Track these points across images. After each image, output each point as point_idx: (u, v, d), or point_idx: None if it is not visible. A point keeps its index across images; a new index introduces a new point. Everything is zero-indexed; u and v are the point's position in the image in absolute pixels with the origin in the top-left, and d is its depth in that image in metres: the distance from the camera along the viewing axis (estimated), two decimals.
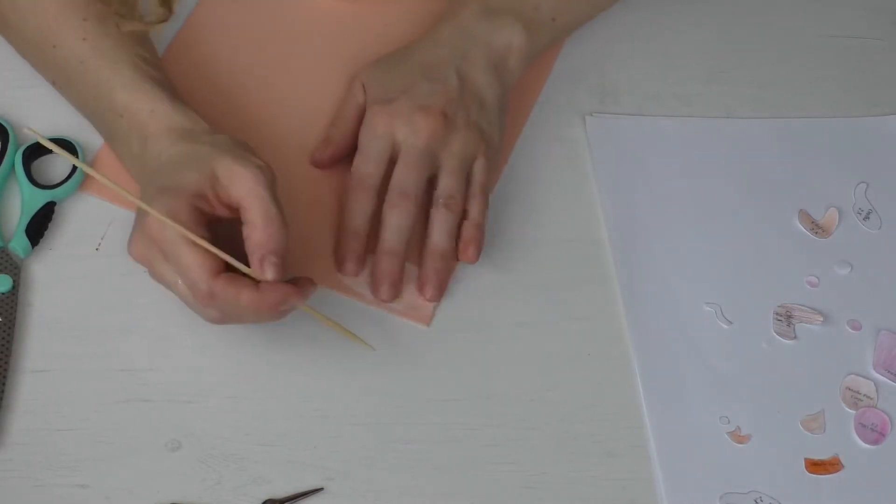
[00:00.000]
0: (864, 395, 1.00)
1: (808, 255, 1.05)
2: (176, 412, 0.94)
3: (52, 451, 0.92)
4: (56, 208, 0.99)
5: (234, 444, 0.93)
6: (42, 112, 1.03)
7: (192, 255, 0.89)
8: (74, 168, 1.00)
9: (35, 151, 1.01)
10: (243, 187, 0.90)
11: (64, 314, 0.96)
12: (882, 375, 1.01)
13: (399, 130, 1.00)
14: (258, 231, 0.90)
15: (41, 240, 0.98)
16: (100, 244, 0.99)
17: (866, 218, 1.07)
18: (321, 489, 0.93)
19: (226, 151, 0.92)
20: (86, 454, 0.92)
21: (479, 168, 1.01)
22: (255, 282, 0.89)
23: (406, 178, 0.99)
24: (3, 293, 0.95)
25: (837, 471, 0.97)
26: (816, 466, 0.97)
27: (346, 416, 0.96)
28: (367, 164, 1.00)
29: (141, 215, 0.92)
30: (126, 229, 0.99)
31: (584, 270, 1.03)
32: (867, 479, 0.97)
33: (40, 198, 0.99)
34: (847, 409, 1.00)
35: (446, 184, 1.00)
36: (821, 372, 1.01)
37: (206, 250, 0.89)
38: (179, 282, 0.90)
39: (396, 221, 0.98)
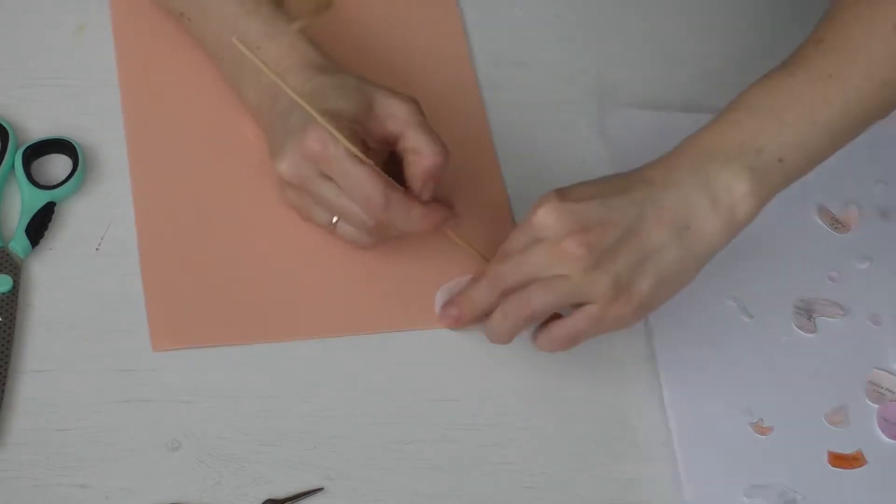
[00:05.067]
0: (887, 389, 1.00)
1: (827, 250, 1.06)
2: (176, 412, 0.94)
3: (52, 451, 0.91)
4: (56, 208, 0.99)
5: (234, 444, 0.93)
6: (42, 112, 1.03)
7: (365, 169, 0.92)
8: (74, 168, 0.99)
9: (35, 151, 1.00)
10: (403, 119, 0.95)
11: (64, 314, 0.96)
12: None
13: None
14: (427, 158, 0.94)
15: (41, 240, 0.98)
16: (100, 244, 0.99)
17: (885, 214, 1.08)
18: (321, 489, 0.93)
19: (375, 85, 0.96)
20: (86, 454, 0.92)
21: (576, 319, 0.93)
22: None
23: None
24: (3, 293, 0.95)
25: (861, 465, 0.97)
26: (840, 460, 0.98)
27: (346, 416, 0.95)
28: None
29: (291, 134, 0.93)
30: (126, 229, 0.99)
31: None
32: (891, 474, 0.97)
33: (40, 198, 0.98)
34: (870, 403, 1.00)
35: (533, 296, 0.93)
36: (843, 365, 1.01)
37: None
38: (340, 199, 0.94)
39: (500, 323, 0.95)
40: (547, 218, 0.93)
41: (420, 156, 0.95)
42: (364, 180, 0.92)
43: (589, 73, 1.12)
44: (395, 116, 0.95)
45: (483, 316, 0.96)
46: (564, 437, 0.97)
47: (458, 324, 0.98)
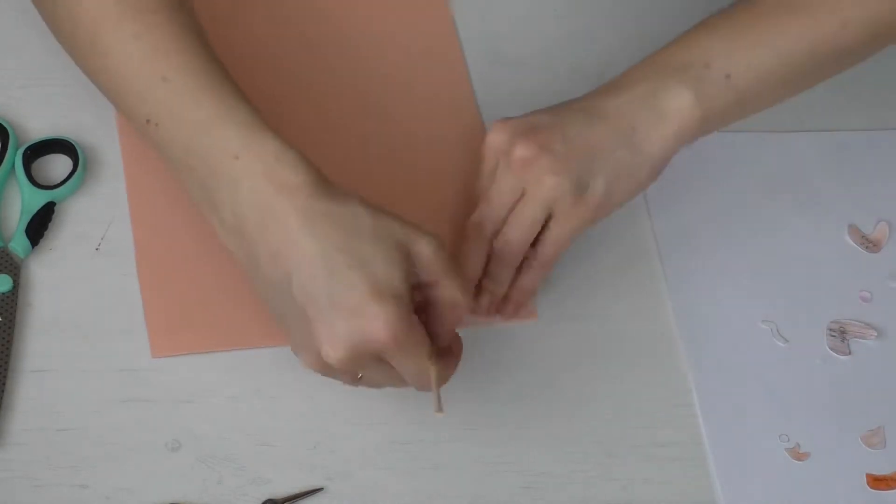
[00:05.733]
0: None
1: (859, 269, 1.05)
2: (176, 412, 0.94)
3: (52, 451, 0.92)
4: (56, 208, 0.99)
5: (234, 444, 0.93)
6: (42, 112, 1.03)
7: (426, 364, 0.88)
8: (74, 168, 1.00)
9: (35, 151, 1.00)
10: (436, 267, 0.87)
11: (64, 314, 0.96)
12: None
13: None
14: (462, 310, 0.90)
15: (41, 240, 0.98)
16: (100, 244, 0.99)
17: None
18: (321, 489, 0.93)
19: (401, 227, 0.87)
20: (86, 454, 0.92)
21: (553, 233, 0.95)
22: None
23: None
24: (3, 293, 0.95)
25: None
26: (879, 482, 0.97)
27: (346, 416, 0.96)
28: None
29: (335, 307, 0.84)
30: (126, 229, 0.99)
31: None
32: None
33: (40, 198, 0.99)
34: None
35: (509, 233, 0.96)
36: (878, 387, 1.01)
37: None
38: (387, 381, 0.90)
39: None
40: (495, 136, 0.95)
41: (455, 308, 0.89)
42: (424, 374, 0.88)
43: (589, 73, 1.12)
44: (428, 266, 0.87)
45: (481, 300, 0.98)
46: (564, 437, 0.97)
47: None
